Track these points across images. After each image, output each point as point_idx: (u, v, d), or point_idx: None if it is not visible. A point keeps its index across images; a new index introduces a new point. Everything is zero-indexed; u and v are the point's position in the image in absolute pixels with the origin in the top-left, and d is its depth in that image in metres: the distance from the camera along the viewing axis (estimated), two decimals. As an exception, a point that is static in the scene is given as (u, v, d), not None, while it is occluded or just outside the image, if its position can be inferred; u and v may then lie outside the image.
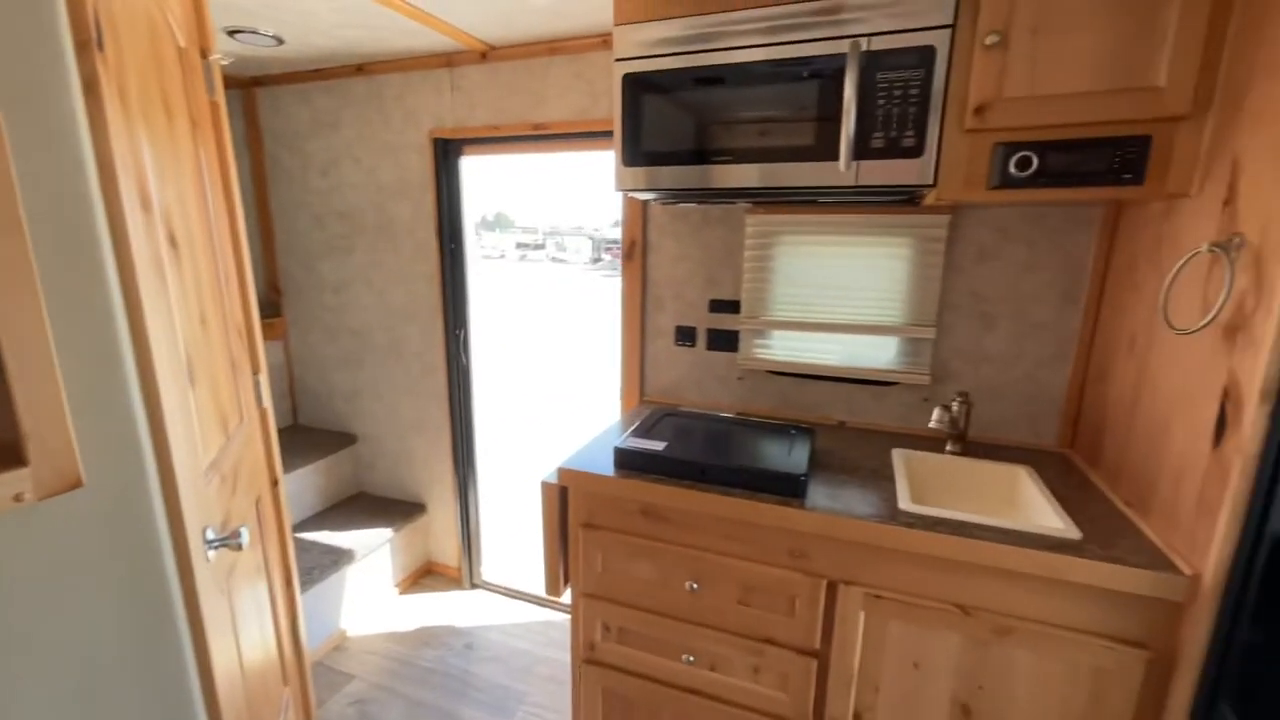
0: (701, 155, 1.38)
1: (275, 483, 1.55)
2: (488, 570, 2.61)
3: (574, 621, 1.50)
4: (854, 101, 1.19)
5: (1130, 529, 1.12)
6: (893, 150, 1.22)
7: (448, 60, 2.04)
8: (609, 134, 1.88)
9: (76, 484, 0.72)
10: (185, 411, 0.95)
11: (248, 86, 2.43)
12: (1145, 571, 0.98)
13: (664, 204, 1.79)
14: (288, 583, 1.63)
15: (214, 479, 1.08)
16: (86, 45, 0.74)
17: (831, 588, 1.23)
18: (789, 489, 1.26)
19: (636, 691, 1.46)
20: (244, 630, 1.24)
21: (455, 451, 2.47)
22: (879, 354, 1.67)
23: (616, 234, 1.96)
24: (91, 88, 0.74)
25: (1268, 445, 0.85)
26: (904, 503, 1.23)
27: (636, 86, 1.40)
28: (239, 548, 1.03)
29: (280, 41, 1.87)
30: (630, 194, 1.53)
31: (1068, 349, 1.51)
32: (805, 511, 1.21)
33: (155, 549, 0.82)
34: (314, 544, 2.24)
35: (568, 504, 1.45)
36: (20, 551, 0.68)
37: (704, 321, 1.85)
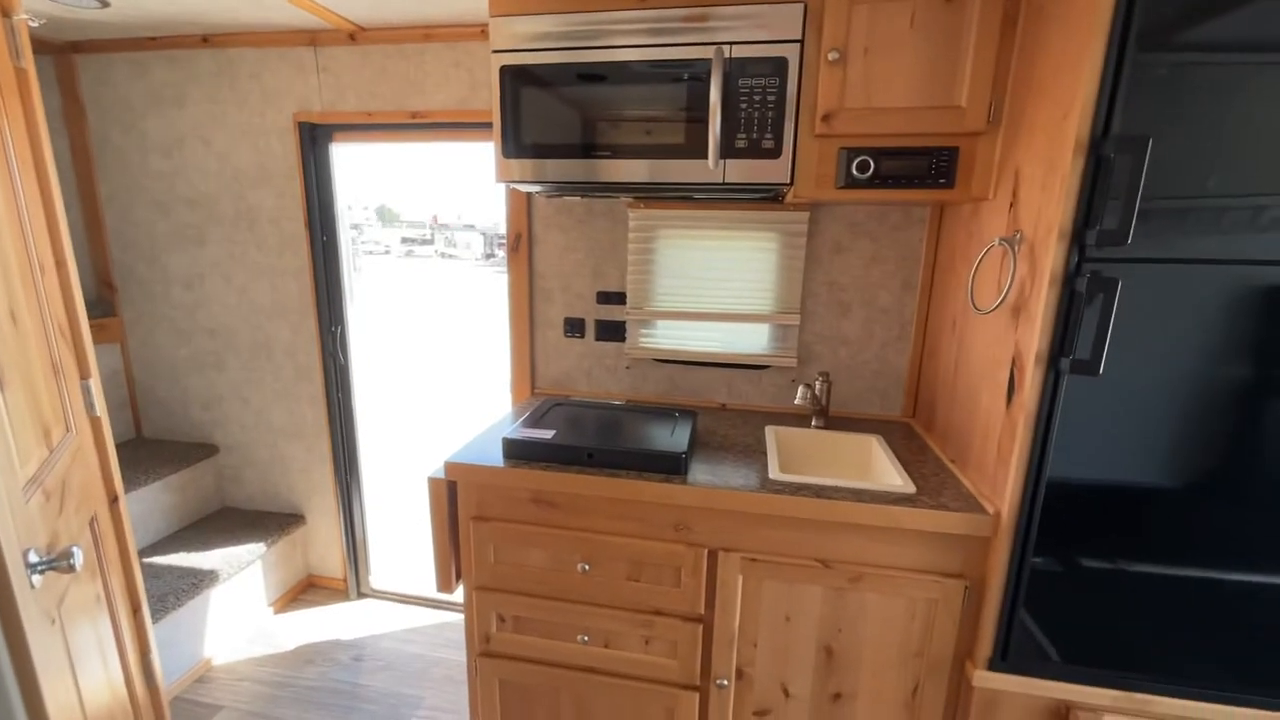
0: (581, 149, 1.41)
1: (115, 500, 1.39)
2: (376, 578, 2.48)
3: (468, 616, 1.49)
4: (719, 104, 1.29)
5: (953, 481, 1.32)
6: (754, 151, 1.33)
7: (311, 38, 1.91)
8: (489, 125, 1.86)
9: None
10: (-6, 419, 0.84)
11: (64, 52, 2.11)
12: (961, 514, 1.17)
13: (548, 196, 1.81)
14: (135, 611, 1.47)
15: (35, 496, 0.95)
16: None
17: (712, 556, 1.33)
18: (671, 467, 1.33)
19: (534, 678, 1.48)
20: (84, 667, 1.11)
21: (336, 456, 2.32)
22: (753, 340, 1.81)
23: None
24: None
25: (1042, 403, 1.05)
26: (773, 473, 1.35)
27: (515, 79, 1.41)
28: (71, 569, 0.92)
29: (104, 4, 1.65)
30: (512, 186, 1.53)
31: (908, 331, 1.73)
32: (686, 486, 1.29)
33: (-40, 575, 0.72)
34: (169, 568, 2.02)
35: (456, 498, 1.44)
36: None
37: (592, 313, 1.90)
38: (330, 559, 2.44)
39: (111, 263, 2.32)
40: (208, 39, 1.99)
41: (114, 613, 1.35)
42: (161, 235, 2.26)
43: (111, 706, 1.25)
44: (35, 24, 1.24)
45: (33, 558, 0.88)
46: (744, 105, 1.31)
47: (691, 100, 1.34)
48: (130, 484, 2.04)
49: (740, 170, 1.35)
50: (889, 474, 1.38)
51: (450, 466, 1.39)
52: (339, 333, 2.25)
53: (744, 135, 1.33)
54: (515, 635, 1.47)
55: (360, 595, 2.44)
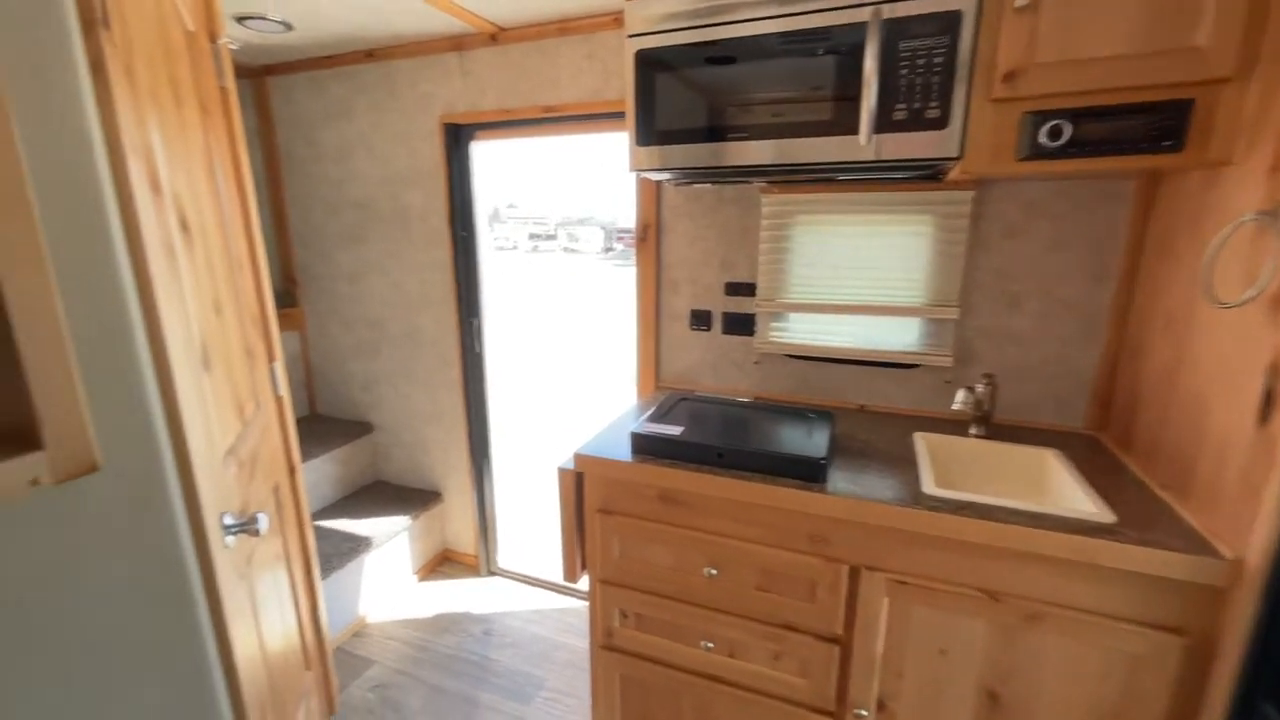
0: (716, 132, 1.34)
1: (293, 470, 1.56)
2: (504, 558, 2.62)
3: (591, 608, 1.49)
4: (875, 72, 1.15)
5: (1167, 512, 1.08)
6: (916, 122, 1.17)
7: (457, 44, 2.02)
8: (621, 115, 1.84)
9: (92, 468, 0.72)
10: (200, 396, 0.95)
11: (259, 76, 2.42)
12: (1183, 555, 0.95)
13: (677, 184, 1.76)
14: (307, 569, 1.65)
15: (231, 465, 1.08)
16: (92, 25, 0.72)
17: (854, 573, 1.21)
18: (809, 473, 1.23)
19: (655, 677, 1.45)
20: (265, 616, 1.25)
21: (471, 440, 2.47)
22: (900, 336, 1.63)
23: (628, 223, 1.93)
24: (98, 67, 0.73)
25: (1320, 422, 0.81)
26: (928, 486, 1.19)
27: (649, 63, 1.36)
28: (256, 533, 1.03)
29: (289, 27, 1.86)
30: (643, 174, 1.50)
31: (1097, 327, 1.46)
32: (826, 496, 1.18)
33: (174, 535, 0.82)
34: (333, 531, 2.26)
35: (583, 490, 1.44)
36: (40, 537, 0.68)
37: (719, 305, 1.82)
38: (464, 536, 2.61)
39: (294, 260, 2.64)
40: (372, 53, 2.17)
41: (290, 569, 1.52)
42: (332, 234, 2.53)
43: (285, 651, 1.41)
44: (234, 47, 1.41)
45: (227, 520, 0.99)
46: (904, 71, 1.16)
47: (840, 70, 1.21)
48: (305, 455, 2.31)
49: (897, 145, 1.20)
50: (1076, 497, 1.16)
51: (579, 458, 1.39)
52: (475, 324, 2.38)
53: (903, 105, 1.18)
54: (637, 633, 1.45)
55: (490, 573, 2.58)
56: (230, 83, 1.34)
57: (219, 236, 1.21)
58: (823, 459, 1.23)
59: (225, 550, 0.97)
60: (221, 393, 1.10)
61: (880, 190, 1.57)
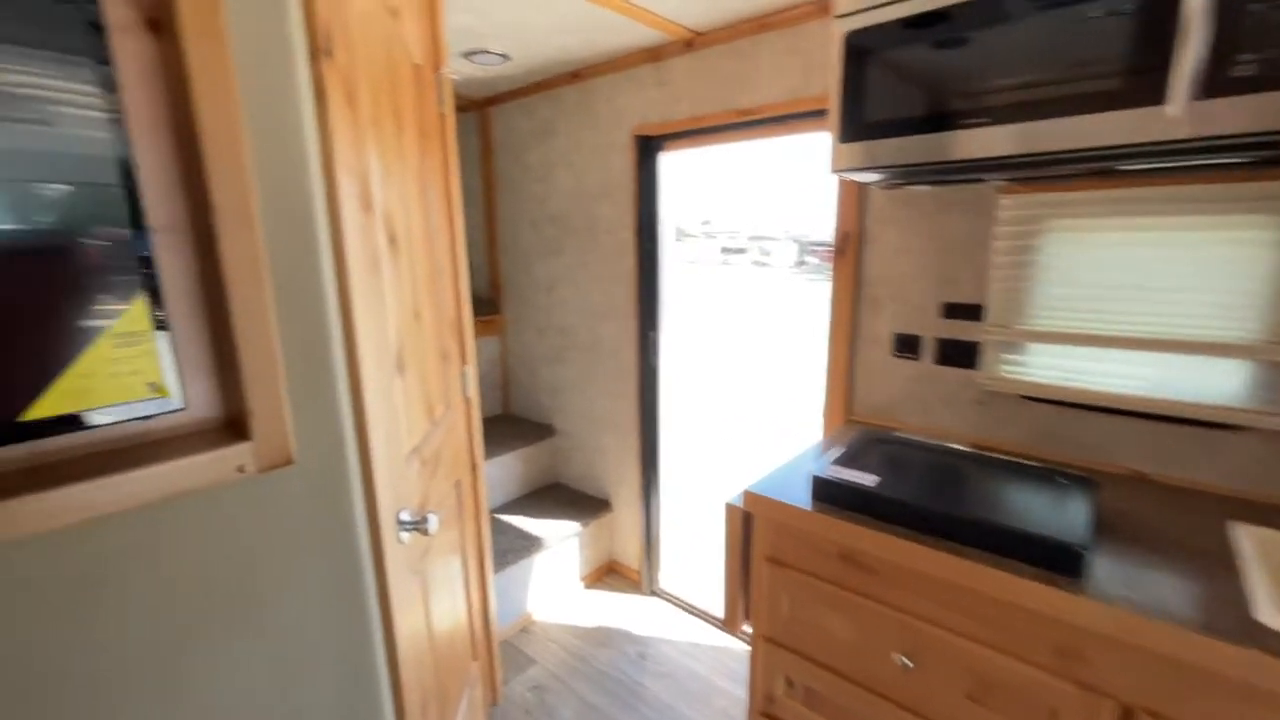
0: (942, 120, 1.09)
1: (475, 468, 1.65)
2: (666, 579, 2.54)
3: (752, 665, 1.32)
4: (1203, 9, 0.81)
5: None
6: (1273, 79, 0.80)
7: (654, 55, 2.01)
8: (821, 113, 1.65)
9: (288, 461, 0.77)
10: (390, 400, 1.01)
11: (482, 108, 2.71)
12: None
13: (888, 187, 1.50)
14: (481, 562, 1.73)
15: (414, 463, 1.14)
16: (317, 54, 0.79)
17: (1127, 715, 0.86)
18: (1059, 561, 0.91)
19: (823, 768, 1.22)
20: (436, 605, 1.30)
21: (642, 454, 2.44)
22: (1210, 383, 1.18)
23: (821, 236, 1.71)
24: (320, 92, 0.79)
25: None
26: (1267, 613, 0.80)
27: (861, 46, 1.17)
28: (426, 533, 1.06)
29: (506, 58, 2.02)
30: (847, 176, 1.29)
31: None
32: (1086, 599, 0.86)
33: (351, 529, 0.87)
34: (510, 527, 2.40)
35: (752, 532, 1.28)
36: (242, 519, 0.75)
37: (932, 329, 1.51)
38: (630, 550, 2.59)
39: (500, 271, 2.91)
40: (576, 74, 2.28)
41: (465, 560, 1.61)
42: (533, 247, 2.72)
43: (453, 639, 1.47)
44: (456, 78, 1.55)
45: (404, 516, 1.04)
46: (1256, 4, 0.80)
47: (1138, 18, 0.88)
48: (493, 452, 2.50)
49: (1237, 114, 0.84)
50: None
51: (749, 496, 1.24)
52: (652, 337, 2.35)
53: (1250, 55, 0.82)
54: (805, 709, 1.23)
55: (651, 592, 2.52)
56: (449, 109, 1.46)
57: (424, 250, 1.31)
58: (1082, 544, 0.90)
59: (398, 545, 1.01)
60: (413, 394, 1.17)
61: (1185, 183, 1.15)
